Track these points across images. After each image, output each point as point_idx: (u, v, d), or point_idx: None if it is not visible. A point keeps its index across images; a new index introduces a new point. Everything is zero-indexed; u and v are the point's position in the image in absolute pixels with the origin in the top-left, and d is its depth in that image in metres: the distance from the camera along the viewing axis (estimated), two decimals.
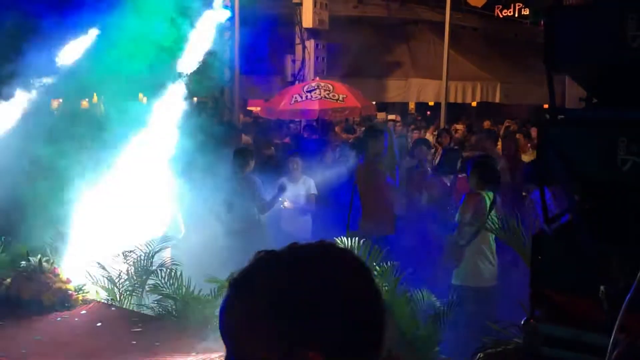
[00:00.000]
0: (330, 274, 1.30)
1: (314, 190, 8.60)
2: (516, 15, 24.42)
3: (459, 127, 16.71)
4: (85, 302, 6.04)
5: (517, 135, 11.32)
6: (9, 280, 6.17)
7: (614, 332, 2.62)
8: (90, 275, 6.29)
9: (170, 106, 7.71)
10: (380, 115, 19.92)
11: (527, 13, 23.69)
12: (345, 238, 5.67)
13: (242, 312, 1.29)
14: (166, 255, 6.71)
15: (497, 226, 5.62)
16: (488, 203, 6.55)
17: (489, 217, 6.22)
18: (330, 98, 14.15)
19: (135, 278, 6.36)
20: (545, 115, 3.14)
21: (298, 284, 1.27)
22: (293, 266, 1.30)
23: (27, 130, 7.61)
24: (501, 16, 24.65)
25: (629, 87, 3.09)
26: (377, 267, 5.45)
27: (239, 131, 12.21)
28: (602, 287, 2.80)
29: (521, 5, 24.12)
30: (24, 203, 7.02)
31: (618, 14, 2.90)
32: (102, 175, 7.54)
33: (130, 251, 6.43)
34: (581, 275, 2.97)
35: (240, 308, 1.30)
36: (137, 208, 7.67)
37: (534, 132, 11.92)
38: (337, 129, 15.46)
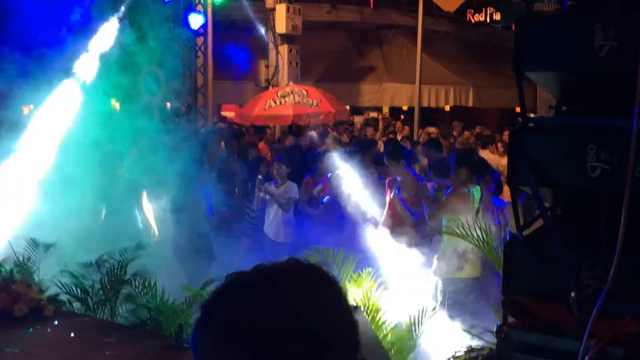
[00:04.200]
0: (309, 296, 1.27)
1: (294, 195, 8.74)
2: (488, 20, 24.64)
3: (432, 130, 16.85)
4: (59, 312, 5.96)
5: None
6: None
7: (584, 338, 2.66)
8: (63, 286, 6.22)
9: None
10: (358, 119, 19.96)
11: (499, 18, 23.91)
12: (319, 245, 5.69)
13: (220, 339, 1.24)
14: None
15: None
16: (477, 199, 6.43)
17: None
18: (305, 103, 14.21)
19: (109, 287, 6.30)
20: (516, 121, 3.17)
21: (281, 309, 1.23)
22: (273, 290, 1.25)
23: None
24: (473, 21, 24.86)
25: (597, 95, 3.14)
26: (352, 274, 5.47)
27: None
28: (572, 293, 2.84)
29: (493, 9, 24.34)
30: None
31: (586, 23, 2.94)
32: (74, 182, 7.49)
33: (104, 260, 6.37)
34: (553, 282, 3.01)
35: (218, 334, 1.24)
36: (109, 215, 7.65)
37: (505, 135, 12.05)
38: (314, 132, 15.48)
